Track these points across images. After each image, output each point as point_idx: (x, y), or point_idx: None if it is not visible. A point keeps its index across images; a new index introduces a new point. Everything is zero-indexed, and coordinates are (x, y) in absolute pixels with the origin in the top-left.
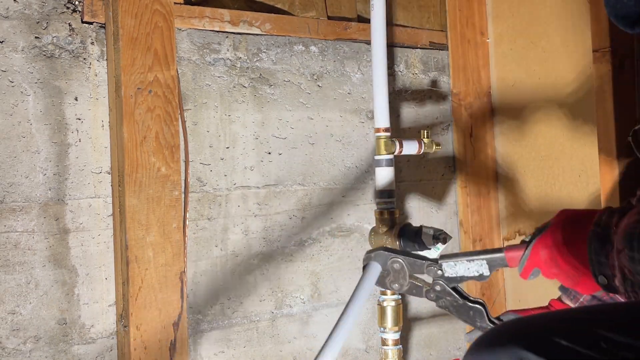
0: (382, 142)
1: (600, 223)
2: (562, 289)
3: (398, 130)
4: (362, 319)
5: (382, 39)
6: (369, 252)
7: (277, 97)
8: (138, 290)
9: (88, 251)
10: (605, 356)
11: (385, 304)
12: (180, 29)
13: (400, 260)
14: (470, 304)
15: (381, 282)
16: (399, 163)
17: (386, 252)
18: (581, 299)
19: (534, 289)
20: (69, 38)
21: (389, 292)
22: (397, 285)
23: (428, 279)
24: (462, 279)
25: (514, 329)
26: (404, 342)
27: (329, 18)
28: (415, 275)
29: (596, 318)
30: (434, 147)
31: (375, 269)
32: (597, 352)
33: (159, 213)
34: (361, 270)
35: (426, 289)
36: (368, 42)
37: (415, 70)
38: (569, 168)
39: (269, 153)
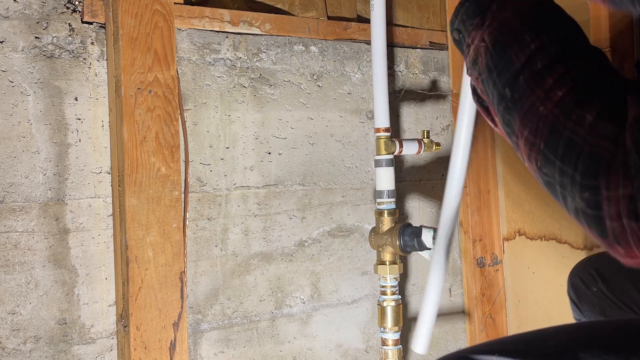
0: (382, 142)
1: None
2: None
3: (398, 130)
4: (362, 319)
5: (382, 39)
6: None
7: (277, 97)
8: (138, 290)
9: (88, 251)
10: None
11: (385, 304)
12: (180, 29)
13: None
14: None
15: None
16: (399, 163)
17: None
18: None
19: (534, 289)
20: (69, 38)
21: (389, 292)
22: None
23: None
24: None
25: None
26: (404, 342)
27: (329, 18)
28: None
29: (575, 338)
30: (434, 147)
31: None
32: None
33: (159, 213)
34: (361, 270)
35: None
36: (368, 42)
37: (415, 70)
38: None
39: (269, 153)
